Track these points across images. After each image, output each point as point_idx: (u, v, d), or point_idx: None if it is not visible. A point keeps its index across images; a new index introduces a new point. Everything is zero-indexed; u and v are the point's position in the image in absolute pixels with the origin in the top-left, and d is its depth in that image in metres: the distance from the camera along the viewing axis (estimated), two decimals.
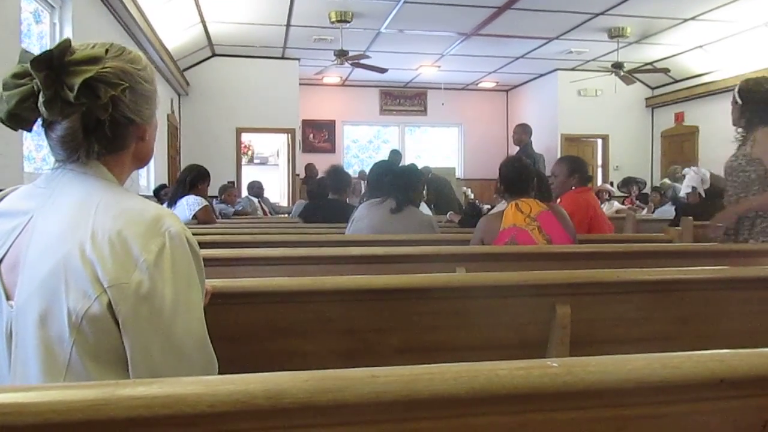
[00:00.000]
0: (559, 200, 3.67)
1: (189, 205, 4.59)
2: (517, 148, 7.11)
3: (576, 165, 3.87)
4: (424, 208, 6.59)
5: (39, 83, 0.97)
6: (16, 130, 1.04)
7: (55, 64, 0.98)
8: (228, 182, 9.14)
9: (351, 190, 6.18)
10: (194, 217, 4.56)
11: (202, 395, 0.68)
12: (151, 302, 0.96)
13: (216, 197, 5.30)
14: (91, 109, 1.00)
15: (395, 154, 8.90)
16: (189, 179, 4.71)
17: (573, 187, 3.78)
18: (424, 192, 7.69)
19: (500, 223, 2.87)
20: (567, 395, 0.77)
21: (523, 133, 6.50)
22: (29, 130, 1.05)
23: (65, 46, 0.99)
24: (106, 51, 1.04)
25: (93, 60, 1.01)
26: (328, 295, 1.57)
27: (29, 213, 1.02)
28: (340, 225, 3.88)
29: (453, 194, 6.71)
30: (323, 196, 4.87)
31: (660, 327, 1.80)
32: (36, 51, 3.88)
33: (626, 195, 9.00)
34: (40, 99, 0.97)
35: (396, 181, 3.39)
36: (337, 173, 4.67)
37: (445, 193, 6.15)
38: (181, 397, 0.67)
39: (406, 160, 11.21)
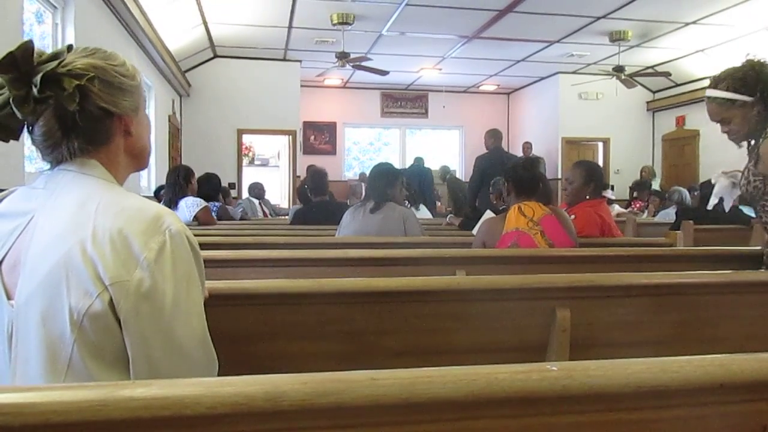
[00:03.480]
0: (572, 215, 3.32)
1: (189, 206, 4.61)
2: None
3: (593, 173, 3.57)
4: (423, 210, 6.62)
5: (6, 84, 0.99)
6: (6, 140, 1.05)
7: (21, 65, 0.99)
8: (228, 183, 9.18)
9: (351, 193, 6.19)
10: (195, 218, 4.58)
11: (201, 397, 0.68)
12: (152, 300, 0.96)
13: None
14: (59, 101, 1.01)
15: (418, 161, 8.98)
16: (182, 178, 4.77)
17: (587, 197, 3.51)
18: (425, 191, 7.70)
19: (503, 227, 2.87)
20: (567, 399, 0.77)
21: (489, 138, 6.73)
22: (17, 138, 1.06)
23: (28, 47, 1.01)
24: (69, 47, 1.07)
25: (54, 56, 1.03)
26: (328, 297, 1.57)
27: (29, 213, 1.03)
28: (330, 227, 3.91)
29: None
30: (310, 200, 4.92)
31: (660, 331, 1.80)
32: None
33: (637, 198, 9.00)
34: (11, 99, 0.99)
35: (373, 182, 3.47)
36: (314, 175, 4.71)
37: (460, 196, 6.20)
38: (179, 399, 0.67)
39: (408, 163, 11.22)
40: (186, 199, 4.65)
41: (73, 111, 1.02)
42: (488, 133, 6.88)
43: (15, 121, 1.02)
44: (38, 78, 0.99)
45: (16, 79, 0.99)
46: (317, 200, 4.63)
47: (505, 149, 7.41)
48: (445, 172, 9.21)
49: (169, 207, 4.60)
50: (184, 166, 4.97)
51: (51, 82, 1.00)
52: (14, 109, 0.99)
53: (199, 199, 4.71)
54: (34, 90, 0.99)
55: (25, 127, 1.06)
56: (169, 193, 4.86)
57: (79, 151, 1.06)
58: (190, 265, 1.03)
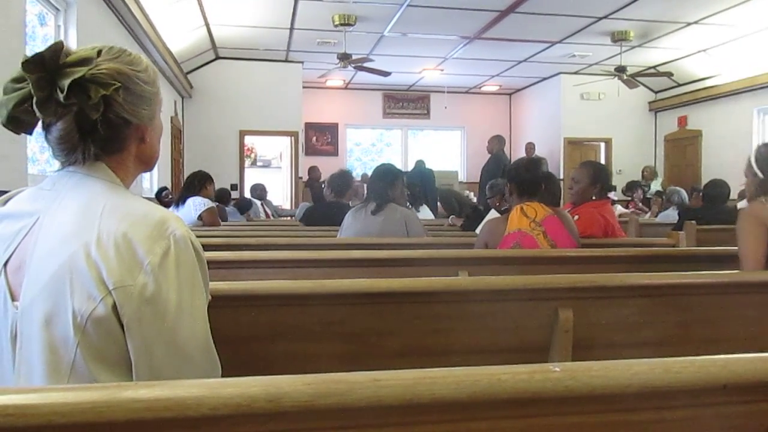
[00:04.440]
0: (576, 216, 3.30)
1: (195, 205, 4.69)
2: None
3: (600, 174, 3.54)
4: (425, 211, 6.63)
5: (31, 85, 0.98)
6: (18, 133, 1.05)
7: (48, 66, 0.99)
8: (231, 185, 9.21)
9: (353, 194, 6.20)
10: (199, 218, 4.63)
11: (203, 398, 0.68)
12: (155, 305, 0.96)
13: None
14: (83, 109, 1.00)
15: (420, 164, 9.01)
16: (197, 180, 4.91)
17: (593, 197, 3.49)
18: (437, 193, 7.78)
19: (505, 227, 2.86)
20: (569, 400, 0.77)
21: (495, 142, 7.23)
22: (30, 132, 1.06)
23: (57, 49, 1.00)
24: (99, 52, 1.05)
25: (83, 61, 1.01)
26: (330, 298, 1.57)
27: (35, 215, 1.03)
28: (338, 228, 3.90)
29: (464, 200, 6.85)
30: (322, 199, 4.93)
31: (663, 331, 1.79)
32: None
33: (630, 199, 9.04)
34: (33, 100, 0.98)
35: (374, 183, 3.46)
36: (342, 175, 4.69)
37: (455, 204, 6.33)
38: (182, 400, 0.67)
39: (410, 164, 11.22)
40: (194, 198, 4.74)
41: (94, 119, 1.01)
42: (495, 138, 7.15)
43: (32, 117, 1.01)
44: (65, 84, 0.98)
45: (41, 80, 0.98)
46: (332, 201, 4.60)
47: (510, 151, 7.82)
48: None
49: (177, 204, 4.74)
50: (203, 173, 5.07)
51: (77, 89, 0.99)
52: (35, 109, 0.99)
53: (206, 200, 4.79)
54: (59, 94, 0.98)
55: (41, 123, 1.05)
56: (181, 192, 5.02)
57: (95, 157, 1.06)
58: (194, 270, 1.03)
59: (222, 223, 5.20)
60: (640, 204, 8.67)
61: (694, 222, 4.36)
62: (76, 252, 0.96)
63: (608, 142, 11.43)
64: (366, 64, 8.65)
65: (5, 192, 1.13)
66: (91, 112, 1.00)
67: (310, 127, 12.12)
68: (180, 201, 4.83)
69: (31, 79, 0.98)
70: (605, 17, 7.69)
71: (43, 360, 0.96)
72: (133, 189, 1.15)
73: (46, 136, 1.06)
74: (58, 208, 1.02)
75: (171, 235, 1.00)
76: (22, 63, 0.98)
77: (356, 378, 0.72)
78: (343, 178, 4.62)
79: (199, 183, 4.87)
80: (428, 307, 1.64)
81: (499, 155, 7.27)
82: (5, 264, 1.01)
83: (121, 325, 0.96)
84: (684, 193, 6.57)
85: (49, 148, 1.08)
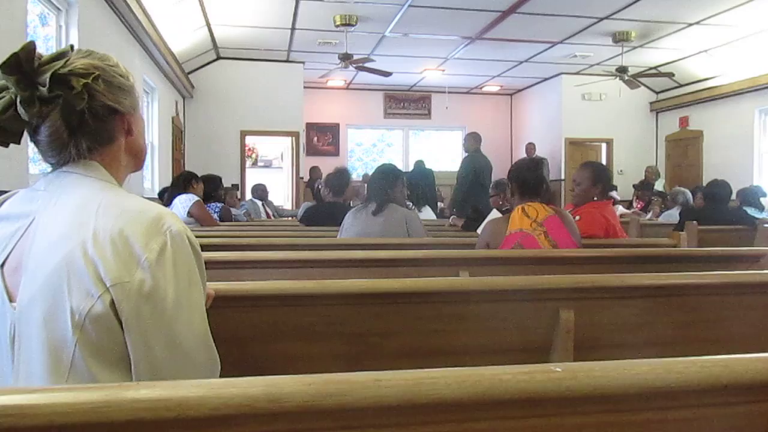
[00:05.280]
0: (577, 216, 3.30)
1: (182, 203, 4.76)
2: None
3: (601, 174, 3.52)
4: (428, 211, 6.63)
5: (13, 86, 0.99)
6: (5, 145, 1.05)
7: (24, 67, 1.00)
8: (232, 185, 9.20)
9: (354, 194, 6.19)
10: (189, 214, 4.67)
11: (204, 398, 0.68)
12: (153, 301, 0.97)
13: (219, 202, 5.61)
14: (68, 100, 1.01)
15: (419, 164, 9.02)
16: (182, 179, 5.02)
17: (594, 198, 3.47)
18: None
19: (506, 227, 2.86)
20: (571, 400, 0.77)
21: (477, 141, 7.11)
22: (17, 142, 1.06)
23: (31, 49, 1.01)
24: (71, 47, 1.08)
25: (58, 56, 1.03)
26: (331, 298, 1.57)
27: (31, 216, 1.03)
28: (338, 228, 3.89)
29: None
30: (321, 199, 4.93)
31: (664, 332, 1.79)
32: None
33: (639, 198, 9.01)
34: (18, 101, 0.99)
35: (374, 183, 3.46)
36: (340, 174, 4.66)
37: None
38: (183, 400, 0.67)
39: (411, 165, 11.23)
40: (179, 196, 4.84)
41: (80, 110, 1.02)
42: (470, 135, 7.17)
43: (18, 124, 1.02)
44: (47, 77, 0.99)
45: (21, 81, 0.99)
46: (331, 200, 4.55)
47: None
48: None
49: (167, 205, 4.82)
50: (186, 172, 5.21)
51: (58, 82, 1.00)
52: (21, 110, 0.99)
53: (191, 195, 4.86)
54: (42, 90, 0.99)
55: (27, 130, 1.06)
56: (169, 194, 5.14)
57: (87, 151, 1.06)
58: (191, 266, 1.03)
59: (223, 222, 5.21)
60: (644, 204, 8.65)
61: (695, 222, 4.36)
62: (73, 250, 0.96)
63: (609, 143, 11.43)
64: (367, 65, 8.65)
65: (6, 192, 1.14)
66: (77, 101, 1.01)
67: (311, 127, 12.12)
68: (168, 202, 4.89)
69: (11, 81, 0.99)
70: (606, 18, 7.68)
71: (42, 359, 0.96)
72: (134, 189, 1.15)
73: (36, 140, 1.06)
74: (54, 208, 1.02)
75: (167, 231, 1.00)
76: (0, 66, 0.99)
77: (357, 378, 0.72)
78: (340, 176, 4.58)
79: (184, 182, 4.95)
80: (429, 307, 1.64)
81: (474, 156, 6.95)
82: (2, 265, 1.01)
83: (120, 322, 0.96)
84: (689, 194, 6.56)
85: (40, 153, 1.08)
